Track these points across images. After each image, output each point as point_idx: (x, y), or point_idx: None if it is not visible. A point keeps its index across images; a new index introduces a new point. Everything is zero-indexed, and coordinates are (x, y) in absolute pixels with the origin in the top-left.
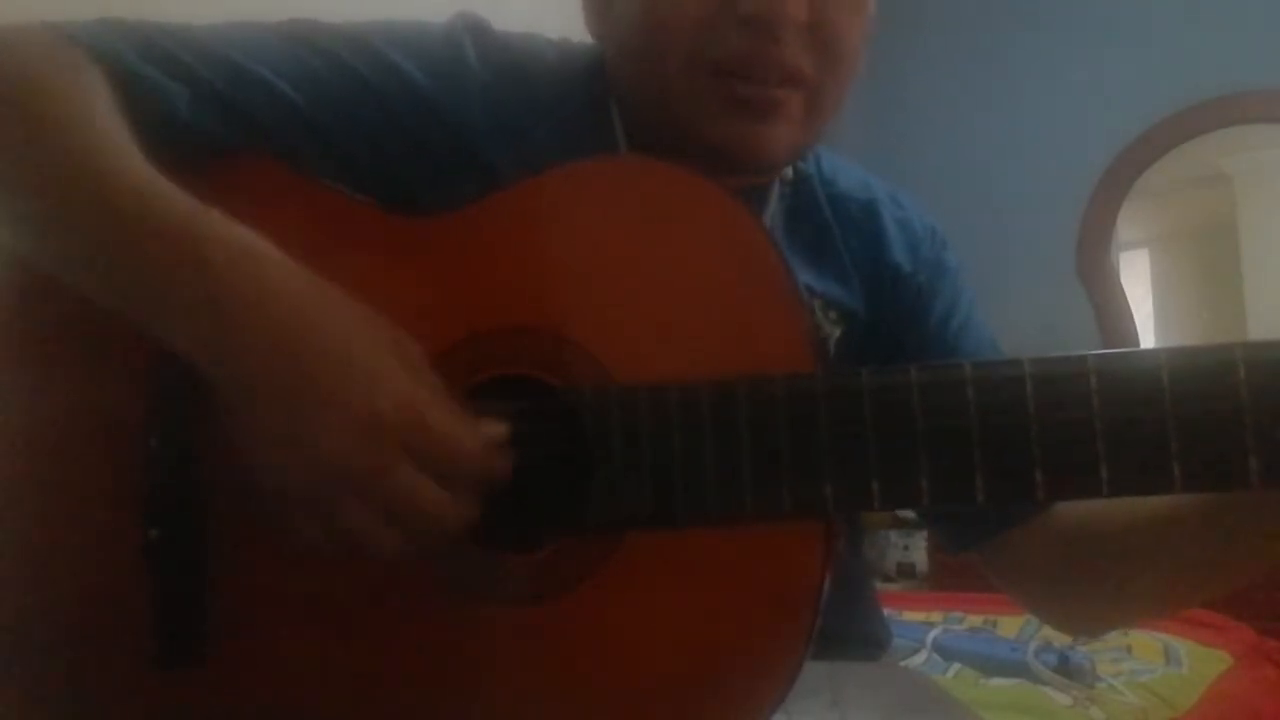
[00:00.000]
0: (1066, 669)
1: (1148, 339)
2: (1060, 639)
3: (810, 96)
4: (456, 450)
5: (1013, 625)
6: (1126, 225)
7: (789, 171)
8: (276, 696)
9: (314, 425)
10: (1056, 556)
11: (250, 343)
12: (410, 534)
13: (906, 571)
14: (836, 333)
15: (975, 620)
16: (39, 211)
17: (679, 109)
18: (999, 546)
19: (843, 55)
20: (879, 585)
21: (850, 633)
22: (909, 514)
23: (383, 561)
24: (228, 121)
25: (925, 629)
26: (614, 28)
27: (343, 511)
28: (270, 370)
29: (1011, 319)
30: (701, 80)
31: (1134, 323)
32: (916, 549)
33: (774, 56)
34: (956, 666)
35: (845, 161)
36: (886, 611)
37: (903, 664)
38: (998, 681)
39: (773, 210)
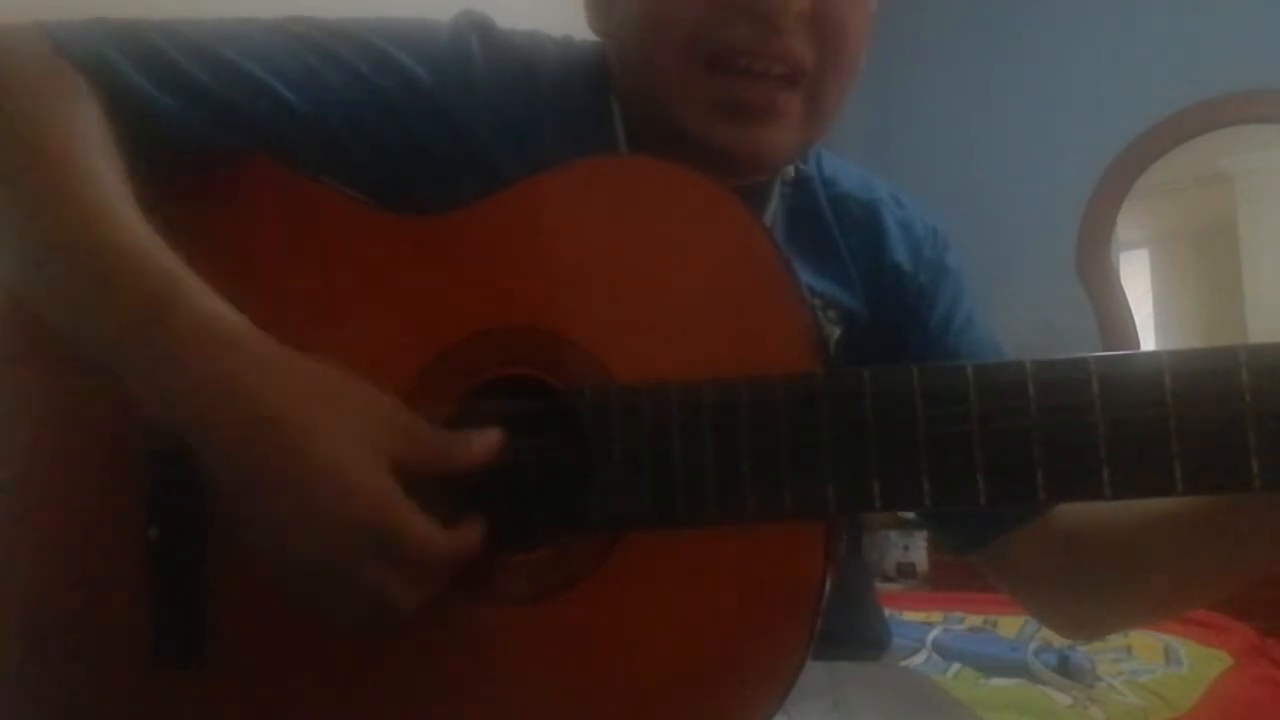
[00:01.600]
0: (1066, 669)
1: (1148, 339)
2: (1060, 639)
3: (810, 92)
4: (428, 555)
5: (1013, 625)
6: (1126, 225)
7: (789, 171)
8: (275, 697)
9: (284, 520)
10: (1057, 560)
11: (218, 424)
12: (376, 619)
13: (906, 571)
14: (836, 333)
15: (975, 620)
16: (22, 253)
17: (678, 111)
18: (1000, 549)
19: (844, 48)
20: (879, 585)
21: (851, 633)
22: (909, 514)
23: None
24: (222, 123)
25: (925, 629)
26: (616, 24)
27: (316, 596)
28: (240, 456)
29: (1011, 319)
30: (699, 77)
31: (1134, 323)
32: (916, 549)
33: (775, 47)
34: (956, 666)
35: (847, 162)
36: (886, 611)
37: (903, 664)
38: (998, 681)
39: (773, 210)
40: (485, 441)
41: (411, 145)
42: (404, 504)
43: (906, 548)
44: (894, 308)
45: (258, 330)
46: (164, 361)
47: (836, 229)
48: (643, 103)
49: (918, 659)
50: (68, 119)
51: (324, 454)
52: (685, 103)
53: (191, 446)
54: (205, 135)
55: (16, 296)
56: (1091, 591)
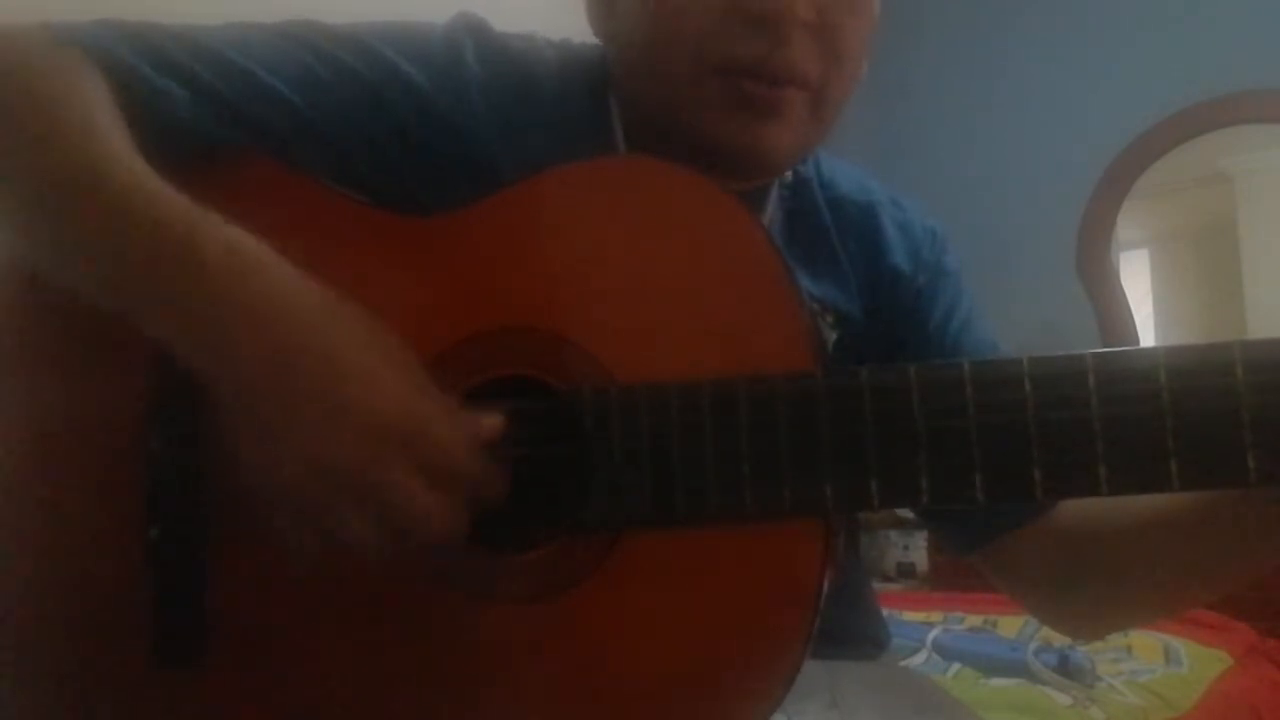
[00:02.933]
0: (1066, 669)
1: (1148, 339)
2: (1060, 639)
3: (813, 99)
4: (454, 459)
5: (1013, 625)
6: (1126, 225)
7: (788, 174)
8: (275, 696)
9: (312, 426)
10: (1057, 559)
11: (248, 347)
12: (398, 537)
13: (906, 571)
14: (833, 336)
15: (975, 620)
16: (38, 213)
17: (684, 108)
18: (999, 549)
19: (847, 57)
20: (879, 585)
21: (849, 633)
22: (909, 514)
23: (368, 561)
24: (226, 123)
25: (925, 629)
26: (617, 28)
27: (333, 510)
28: (268, 374)
29: (1011, 319)
30: (708, 80)
31: (1134, 323)
32: (916, 549)
33: (781, 57)
34: (956, 666)
35: (845, 164)
36: (886, 611)
37: (903, 664)
38: (998, 681)
39: (771, 212)
40: (491, 420)
41: (410, 147)
42: (431, 410)
43: (906, 548)
44: (892, 310)
45: (281, 258)
46: (196, 287)
47: (834, 231)
48: (647, 103)
49: (918, 659)
50: (81, 91)
51: (354, 361)
52: (691, 103)
53: (208, 372)
54: (210, 131)
55: (27, 273)
56: (1091, 590)
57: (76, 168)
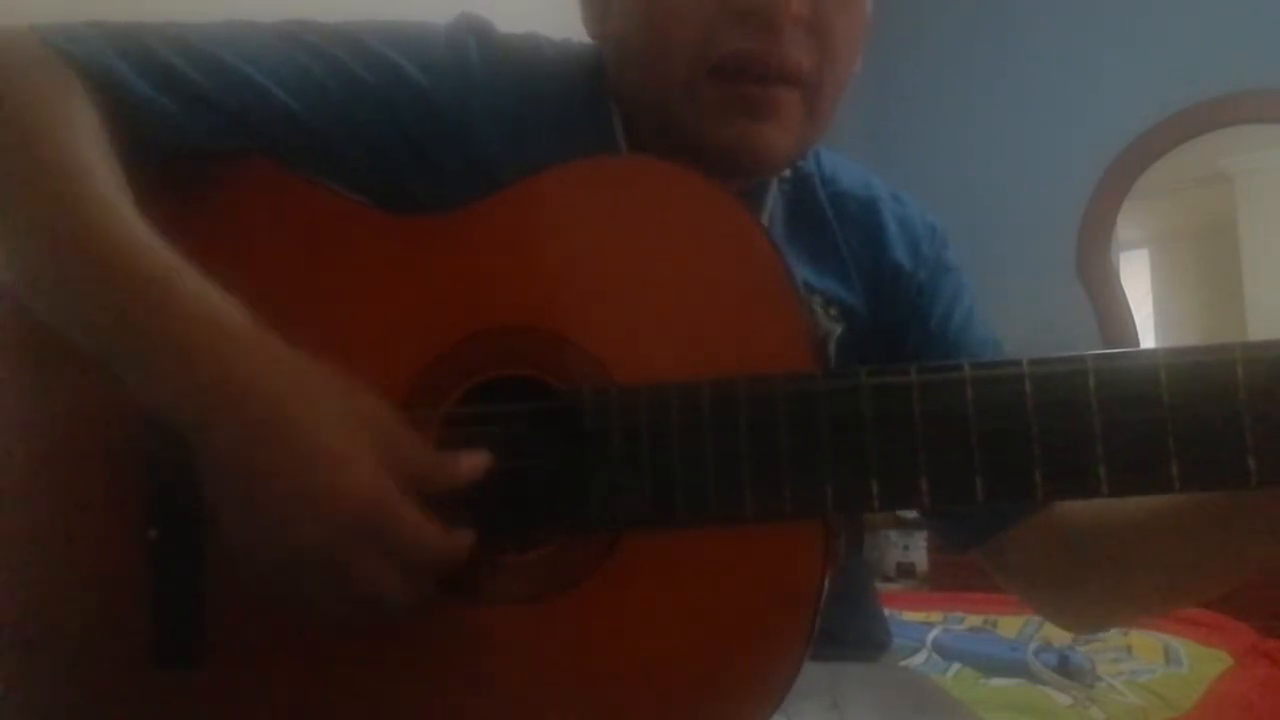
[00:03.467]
0: (1066, 669)
1: (1148, 339)
2: (1060, 639)
3: (808, 95)
4: (420, 545)
5: (1013, 625)
6: (1126, 225)
7: (788, 169)
8: (274, 696)
9: (280, 507)
10: (1057, 554)
11: (216, 421)
12: (364, 613)
13: (906, 571)
14: (837, 330)
15: (975, 620)
16: (18, 252)
17: (679, 110)
18: (1000, 545)
19: (840, 52)
20: (879, 585)
21: (850, 633)
22: (909, 514)
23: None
24: (219, 129)
25: (925, 629)
26: (613, 29)
27: (303, 587)
28: (240, 452)
29: (1011, 319)
30: (702, 81)
31: (1134, 323)
32: (916, 549)
33: (774, 53)
34: (956, 666)
35: (846, 160)
36: (886, 611)
37: (903, 664)
38: (998, 681)
39: (771, 208)
40: (472, 462)
41: (409, 148)
42: (399, 496)
43: (906, 548)
44: (893, 305)
45: (256, 325)
46: (162, 354)
47: (836, 226)
48: (643, 105)
49: (918, 659)
50: (63, 118)
51: (323, 445)
52: (687, 103)
53: (188, 439)
54: (203, 138)
55: (15, 297)
56: (1092, 586)
57: (57, 213)
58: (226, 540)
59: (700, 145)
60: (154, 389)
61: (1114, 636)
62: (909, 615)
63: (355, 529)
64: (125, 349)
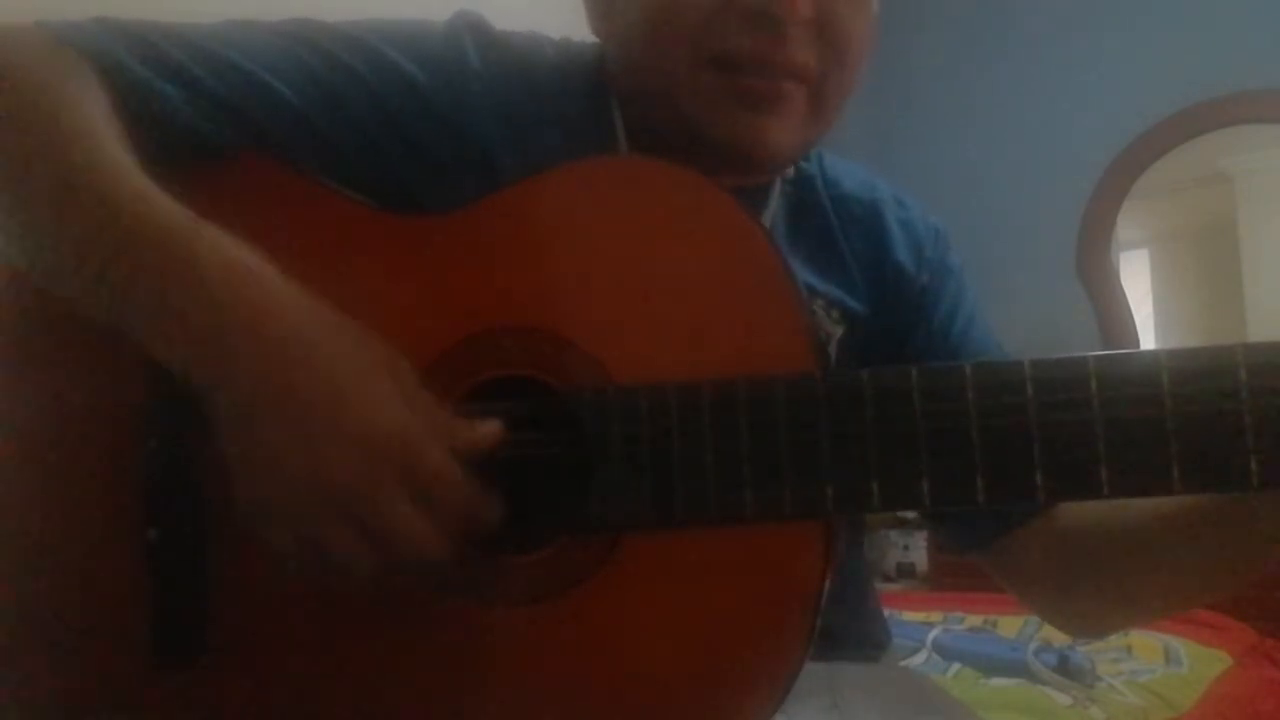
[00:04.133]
0: (1066, 669)
1: (1148, 339)
2: (1060, 639)
3: (814, 92)
4: (446, 483)
5: (1013, 625)
6: (1126, 225)
7: (791, 170)
8: (274, 696)
9: (309, 442)
10: (1060, 557)
11: (245, 361)
12: (384, 556)
13: (906, 571)
14: (839, 332)
15: (975, 620)
16: (34, 222)
17: (683, 104)
18: (1002, 548)
19: (848, 51)
20: (879, 585)
21: (850, 633)
22: (909, 514)
23: (356, 582)
24: (224, 123)
25: (925, 629)
26: (616, 25)
27: (325, 530)
28: (266, 389)
29: (1011, 319)
30: (706, 75)
31: (1134, 323)
32: (916, 549)
33: (779, 53)
34: (956, 666)
35: (849, 162)
36: (886, 611)
37: (903, 664)
38: (998, 681)
39: (774, 210)
40: (489, 428)
41: (409, 146)
42: (428, 435)
43: (906, 548)
44: (896, 307)
45: (279, 273)
46: (190, 296)
47: (839, 228)
48: (647, 100)
49: (918, 659)
50: (76, 95)
51: (353, 381)
52: (690, 97)
53: (204, 393)
54: (206, 133)
55: (24, 274)
56: (1094, 589)
57: (73, 179)
58: (243, 501)
59: (702, 139)
60: (172, 332)
61: (1114, 636)
62: (909, 615)
63: (385, 461)
64: (149, 297)
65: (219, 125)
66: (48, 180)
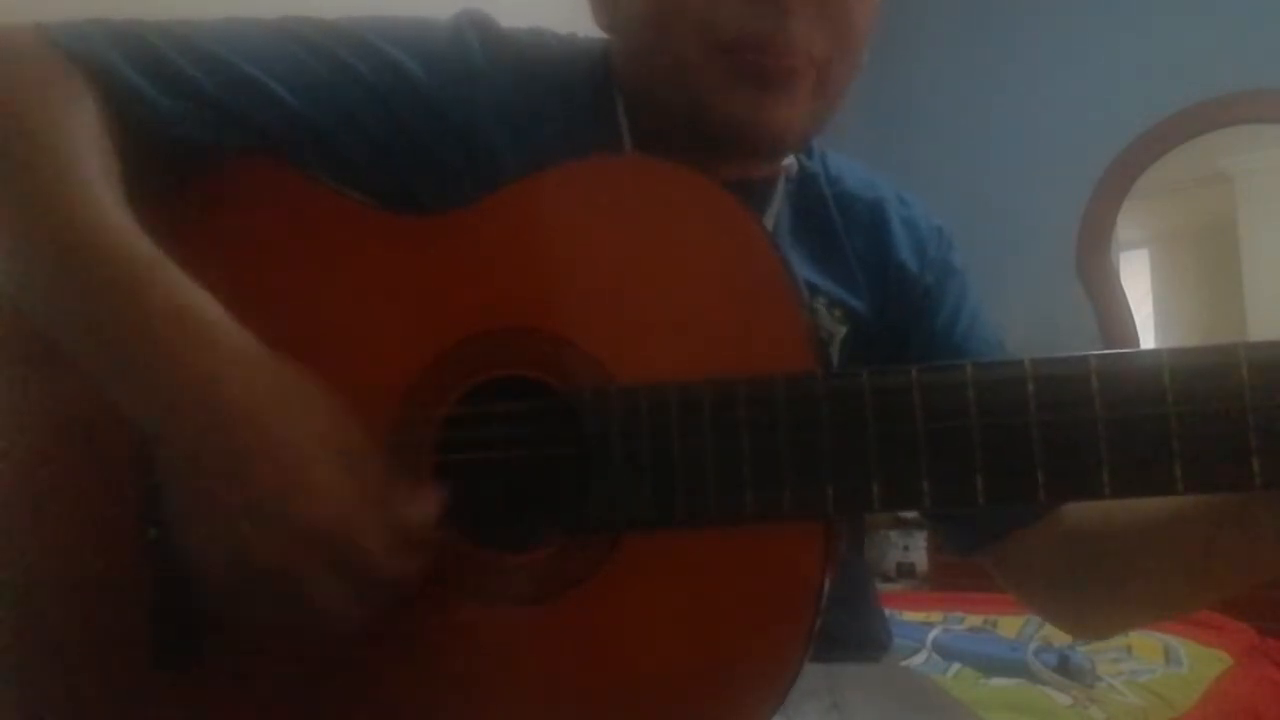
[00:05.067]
0: (1066, 669)
1: (1148, 339)
2: (1060, 639)
3: (818, 76)
4: (375, 569)
5: (1013, 625)
6: (1126, 225)
7: (794, 168)
8: (274, 697)
9: (238, 521)
10: (1062, 559)
11: (186, 425)
12: (312, 626)
13: (906, 571)
14: (842, 332)
15: (975, 620)
16: (5, 244)
17: (690, 87)
18: (1004, 549)
19: (851, 35)
20: (879, 585)
21: (851, 634)
22: (910, 514)
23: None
24: (221, 125)
25: (925, 629)
26: (621, 16)
27: (257, 599)
28: (202, 457)
29: (1011, 319)
30: (713, 56)
31: (1134, 323)
32: (916, 549)
33: (783, 34)
34: (956, 666)
35: (851, 161)
36: (886, 611)
37: (903, 664)
38: (998, 681)
39: (777, 208)
40: (426, 503)
41: (410, 144)
42: (363, 516)
43: (906, 548)
44: (899, 307)
45: (236, 325)
46: (136, 348)
47: (841, 228)
48: (650, 90)
49: (918, 659)
50: (58, 111)
51: (289, 454)
52: (696, 80)
53: (154, 439)
54: (204, 136)
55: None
56: (1096, 591)
57: (44, 205)
58: (180, 546)
59: (709, 125)
60: (119, 383)
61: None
62: (909, 615)
63: (315, 550)
64: (93, 342)
65: (216, 129)
66: (17, 204)
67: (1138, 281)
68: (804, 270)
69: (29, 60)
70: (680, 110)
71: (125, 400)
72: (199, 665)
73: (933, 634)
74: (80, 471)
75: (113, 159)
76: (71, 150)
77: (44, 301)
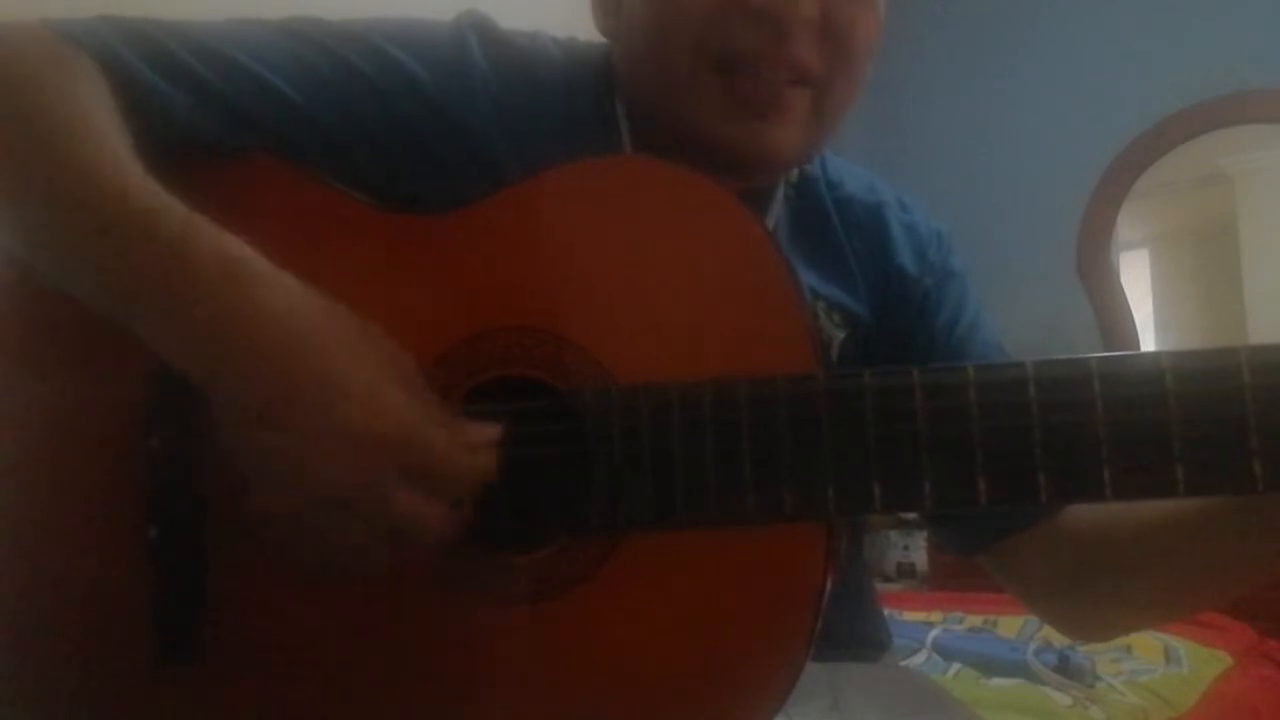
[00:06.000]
0: (1066, 669)
1: (1148, 339)
2: (1060, 639)
3: (818, 95)
4: (451, 468)
5: (1013, 625)
6: (1126, 225)
7: (794, 173)
8: (275, 695)
9: (311, 447)
10: (1063, 561)
11: (243, 362)
12: (396, 545)
13: (906, 571)
14: (841, 335)
15: (975, 620)
16: (36, 218)
17: (684, 104)
18: (1005, 551)
19: (852, 54)
20: (879, 585)
21: (851, 634)
22: (910, 514)
23: (366, 572)
24: (228, 122)
25: (925, 629)
26: (622, 23)
27: (338, 530)
28: (265, 391)
29: (1012, 319)
30: (707, 76)
31: (1134, 323)
32: (916, 549)
33: (783, 53)
34: (956, 666)
35: (851, 164)
36: (886, 611)
37: (903, 664)
38: (998, 681)
39: (777, 212)
40: (491, 427)
41: (411, 145)
42: (433, 426)
43: (906, 548)
44: (899, 311)
45: (279, 270)
46: (188, 294)
47: (841, 232)
48: (649, 101)
49: (918, 659)
50: (76, 88)
51: (351, 378)
52: (693, 100)
53: (209, 384)
54: (209, 133)
55: (24, 271)
56: (1097, 593)
57: (71, 173)
58: (247, 499)
59: (706, 142)
60: (171, 337)
61: None
62: (909, 615)
63: (389, 459)
64: (145, 295)
65: (222, 126)
66: (48, 176)
67: (1138, 281)
68: (803, 274)
69: (44, 54)
70: (677, 127)
71: (179, 353)
72: (200, 662)
73: (933, 634)
74: (81, 469)
75: (125, 133)
76: (95, 122)
77: (85, 268)
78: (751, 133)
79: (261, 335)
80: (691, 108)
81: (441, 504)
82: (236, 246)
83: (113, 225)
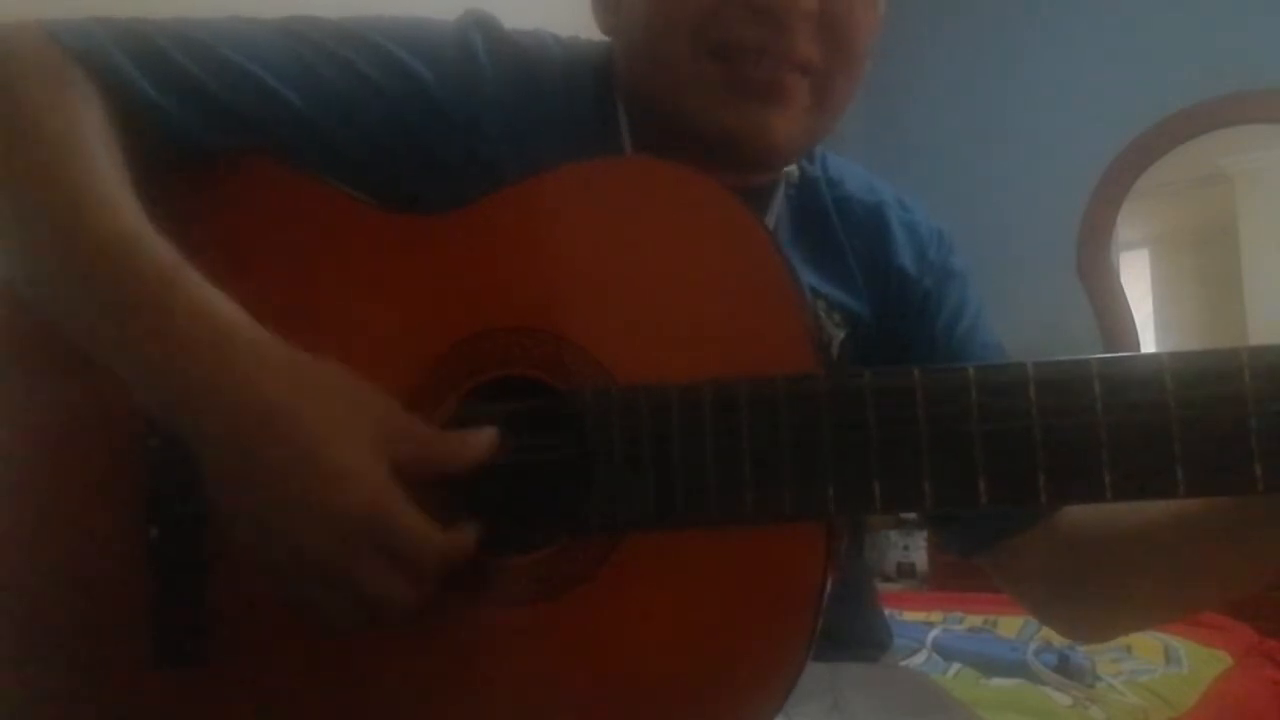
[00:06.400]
0: (1066, 669)
1: (1148, 339)
2: (1060, 639)
3: (817, 86)
4: (419, 547)
5: (1013, 625)
6: (1126, 225)
7: (794, 173)
8: (274, 695)
9: (280, 519)
10: (1062, 562)
11: (217, 429)
12: (367, 615)
13: (906, 571)
14: (841, 335)
15: (975, 620)
16: (19, 248)
17: (686, 96)
18: (1005, 551)
19: (852, 47)
20: (879, 585)
21: (851, 634)
22: (910, 514)
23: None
24: (224, 125)
25: (925, 629)
26: (622, 19)
27: (308, 594)
28: (237, 457)
29: (1012, 319)
30: (707, 64)
31: (1134, 323)
32: (916, 549)
33: (782, 45)
34: (956, 666)
35: (852, 164)
36: (886, 611)
37: (903, 664)
38: (998, 681)
39: (777, 212)
40: (480, 440)
41: (412, 144)
42: (401, 500)
43: (906, 548)
44: (899, 310)
45: (256, 324)
46: (161, 350)
47: (841, 232)
48: (649, 96)
49: (918, 659)
50: (66, 109)
51: (320, 447)
52: (693, 88)
53: (186, 439)
54: (206, 136)
55: (12, 292)
56: (1097, 595)
57: (59, 207)
58: (229, 540)
59: (706, 134)
60: (151, 387)
61: None
62: (909, 615)
63: (355, 536)
64: (123, 346)
65: (218, 130)
66: (31, 207)
67: (1138, 281)
68: (803, 273)
69: (29, 58)
70: (677, 120)
71: (154, 404)
72: (200, 664)
73: (933, 634)
74: (81, 470)
75: (117, 153)
76: (89, 156)
77: (68, 309)
78: (752, 119)
79: (232, 404)
80: (691, 97)
81: (410, 579)
82: (217, 302)
83: (95, 265)
